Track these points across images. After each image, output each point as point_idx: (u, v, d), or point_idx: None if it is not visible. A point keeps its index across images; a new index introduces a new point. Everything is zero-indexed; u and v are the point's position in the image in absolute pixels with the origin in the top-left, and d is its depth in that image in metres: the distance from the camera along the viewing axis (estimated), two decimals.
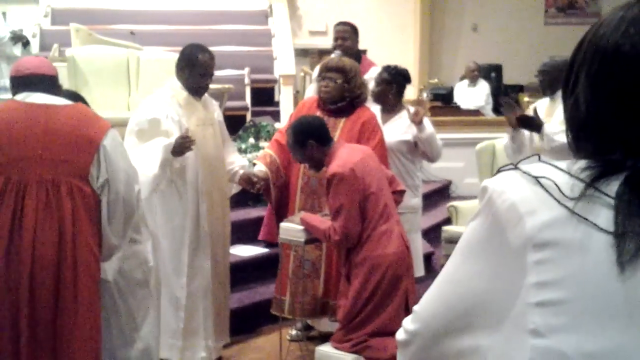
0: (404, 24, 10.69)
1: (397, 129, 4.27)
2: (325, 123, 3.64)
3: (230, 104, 6.77)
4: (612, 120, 0.88)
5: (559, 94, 4.46)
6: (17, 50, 6.86)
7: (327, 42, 5.36)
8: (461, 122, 8.08)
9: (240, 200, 5.16)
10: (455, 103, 8.79)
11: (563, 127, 3.73)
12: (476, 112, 8.56)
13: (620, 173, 0.85)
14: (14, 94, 2.70)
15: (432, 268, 5.65)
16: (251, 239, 5.07)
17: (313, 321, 4.23)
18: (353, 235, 3.35)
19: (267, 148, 4.21)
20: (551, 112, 4.13)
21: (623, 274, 0.81)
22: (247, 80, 7.50)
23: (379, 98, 4.35)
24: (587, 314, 0.82)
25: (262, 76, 7.94)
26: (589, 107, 0.91)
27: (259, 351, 4.19)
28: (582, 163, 0.89)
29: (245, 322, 4.41)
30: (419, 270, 4.34)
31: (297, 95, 7.89)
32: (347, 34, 4.80)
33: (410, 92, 4.71)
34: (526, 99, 8.74)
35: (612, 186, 0.85)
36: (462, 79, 9.33)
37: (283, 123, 6.20)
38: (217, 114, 3.98)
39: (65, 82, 5.40)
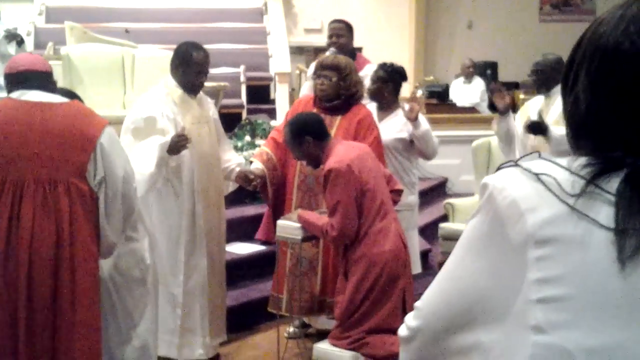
0: (400, 21, 10.69)
1: (393, 127, 4.28)
2: (322, 119, 3.64)
3: (226, 101, 6.77)
4: (612, 118, 0.88)
5: (553, 91, 4.52)
6: (12, 49, 6.84)
7: (322, 39, 5.36)
8: (457, 120, 8.09)
9: (236, 198, 5.16)
10: (451, 100, 8.80)
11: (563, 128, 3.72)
12: (472, 110, 8.58)
13: (620, 170, 0.86)
14: (9, 92, 2.69)
15: (428, 265, 5.66)
16: (248, 237, 5.07)
17: (310, 319, 4.23)
18: (350, 232, 3.35)
19: (264, 146, 4.21)
20: (546, 110, 4.14)
21: (624, 270, 0.81)
22: (242, 78, 7.50)
23: (375, 96, 4.35)
24: (588, 310, 0.82)
25: (257, 74, 7.93)
26: (589, 105, 0.91)
27: (257, 348, 4.20)
28: (583, 160, 0.89)
29: (243, 320, 4.41)
30: (416, 268, 4.35)
31: (293, 93, 7.89)
32: (341, 31, 4.80)
33: (406, 90, 4.72)
34: (522, 96, 8.75)
35: (613, 183, 0.85)
36: (457, 76, 9.34)
37: (279, 121, 6.20)
38: (213, 112, 3.98)
39: (60, 81, 5.38)
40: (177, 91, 3.72)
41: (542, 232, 0.86)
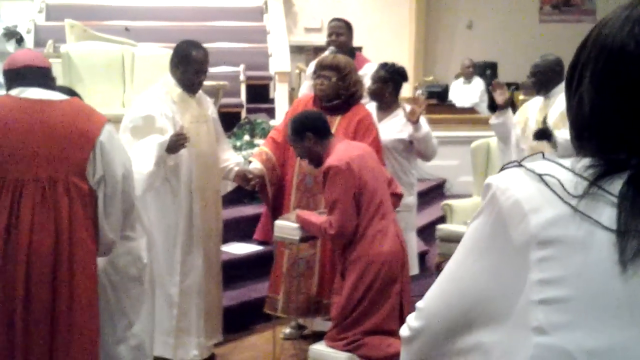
0: (399, 21, 10.69)
1: (393, 128, 4.27)
2: (325, 118, 3.64)
3: (225, 100, 6.76)
4: (617, 119, 0.88)
5: (553, 93, 4.51)
6: (11, 46, 6.85)
7: (322, 39, 5.35)
8: (456, 120, 8.09)
9: (235, 197, 5.15)
10: (450, 101, 8.80)
11: (564, 129, 3.69)
12: (471, 110, 8.58)
13: (623, 172, 0.86)
14: (8, 89, 2.67)
15: (426, 266, 5.66)
16: (246, 237, 5.06)
17: (306, 320, 4.22)
18: (348, 230, 3.34)
19: (263, 145, 4.20)
20: (545, 111, 4.13)
21: (625, 272, 0.82)
22: (242, 77, 7.50)
23: (375, 96, 4.35)
24: (590, 311, 0.83)
25: (257, 73, 7.93)
26: (594, 106, 0.91)
27: (253, 349, 4.19)
28: (586, 161, 0.89)
29: (239, 320, 4.40)
30: (414, 269, 4.34)
31: (293, 93, 7.88)
32: (341, 30, 4.79)
33: (406, 90, 4.72)
34: (521, 96, 8.75)
35: (616, 185, 0.85)
36: (457, 77, 9.34)
37: (278, 120, 6.19)
38: (212, 111, 3.97)
39: (59, 79, 5.37)
40: (176, 90, 3.72)
41: (545, 233, 0.86)
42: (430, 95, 8.64)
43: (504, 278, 0.90)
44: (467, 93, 8.91)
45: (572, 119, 0.96)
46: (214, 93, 6.06)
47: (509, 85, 9.84)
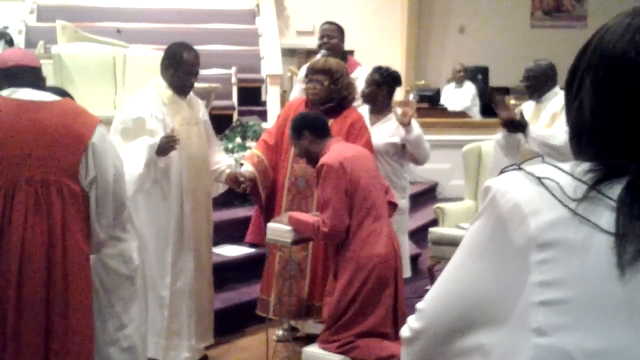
0: (391, 25, 10.72)
1: (385, 131, 4.28)
2: (325, 118, 3.67)
3: (217, 103, 6.76)
4: (616, 125, 0.89)
5: (545, 97, 4.53)
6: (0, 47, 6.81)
7: (314, 42, 5.35)
8: (448, 124, 8.10)
9: (226, 200, 5.14)
10: (442, 105, 8.82)
11: (548, 130, 3.72)
12: (463, 114, 8.60)
13: (622, 177, 0.87)
14: None
15: (418, 269, 5.67)
16: (237, 239, 5.06)
17: (298, 322, 4.22)
18: (341, 228, 3.35)
19: (255, 148, 4.20)
20: (537, 115, 4.15)
21: (623, 276, 0.83)
22: (234, 80, 7.48)
23: (369, 99, 4.35)
24: (589, 313, 0.84)
25: (249, 75, 7.92)
26: (594, 112, 0.92)
27: (245, 351, 4.18)
28: (586, 165, 0.90)
29: (231, 322, 4.39)
30: (406, 271, 4.34)
31: (284, 95, 7.88)
32: (333, 33, 4.79)
33: (398, 94, 4.73)
34: (512, 101, 8.78)
35: (615, 189, 0.86)
36: (449, 81, 9.37)
37: (270, 123, 6.19)
38: (203, 113, 3.96)
39: (51, 80, 5.35)
40: (167, 92, 3.71)
41: (544, 236, 0.87)
42: (422, 99, 8.66)
43: (504, 280, 0.91)
44: (458, 97, 8.94)
45: (572, 123, 0.97)
46: (205, 95, 6.05)
47: (499, 90, 9.92)
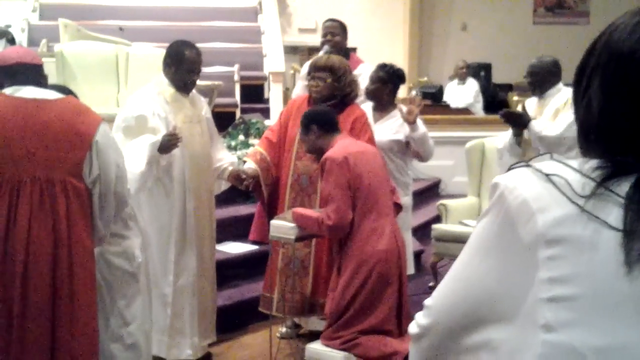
0: (394, 22, 10.70)
1: (389, 128, 4.28)
2: (333, 114, 3.69)
3: (220, 100, 6.76)
4: (625, 123, 0.90)
5: (548, 94, 4.52)
6: (1, 46, 6.81)
7: (316, 39, 5.35)
8: (450, 121, 8.11)
9: (229, 197, 5.15)
10: (445, 102, 8.82)
11: (551, 124, 3.72)
12: (465, 111, 8.60)
13: (631, 174, 0.87)
14: (0, 86, 2.66)
15: (421, 266, 5.67)
16: (240, 236, 5.06)
17: (301, 319, 4.22)
18: (345, 221, 3.35)
19: (257, 145, 4.20)
20: (540, 111, 4.15)
21: (631, 273, 0.83)
22: (236, 77, 7.48)
23: (373, 96, 4.35)
24: (596, 310, 0.84)
25: (251, 73, 7.92)
26: (602, 110, 0.92)
27: (249, 348, 4.19)
28: (594, 162, 0.90)
29: (234, 320, 4.40)
30: (409, 268, 4.33)
31: (287, 93, 7.88)
32: (336, 30, 4.79)
33: (401, 91, 4.72)
34: (515, 97, 8.78)
35: (623, 187, 0.87)
36: (451, 78, 9.36)
37: (273, 120, 6.19)
38: (205, 111, 3.96)
39: (53, 78, 5.36)
40: (169, 90, 3.71)
41: (553, 232, 0.87)
42: (425, 96, 8.66)
43: (512, 276, 0.91)
44: (461, 94, 8.93)
45: (580, 121, 0.97)
46: (208, 93, 6.05)
47: (502, 86, 9.89)
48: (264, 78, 8.03)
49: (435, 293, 1.05)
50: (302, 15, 10.43)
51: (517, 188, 0.92)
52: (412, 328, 1.08)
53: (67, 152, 2.52)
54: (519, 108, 4.13)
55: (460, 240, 4.94)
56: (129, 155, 3.34)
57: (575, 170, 0.91)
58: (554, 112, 4.03)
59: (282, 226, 3.58)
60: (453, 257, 5.01)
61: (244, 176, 3.91)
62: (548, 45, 9.39)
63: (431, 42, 11.04)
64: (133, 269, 2.91)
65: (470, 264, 0.98)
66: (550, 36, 10.60)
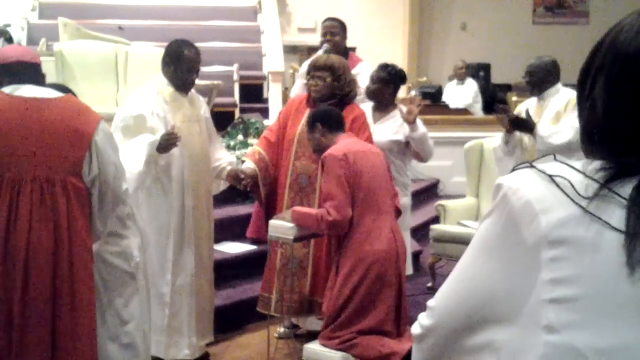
0: (393, 22, 10.70)
1: (389, 128, 4.28)
2: (339, 113, 3.70)
3: (219, 100, 6.76)
4: (629, 124, 0.89)
5: (547, 93, 4.53)
6: None
7: (316, 39, 5.35)
8: (449, 121, 8.10)
9: (228, 197, 5.14)
10: (444, 102, 8.81)
11: (555, 127, 3.72)
12: (464, 111, 8.59)
13: (634, 176, 0.87)
14: None
15: (420, 266, 5.66)
16: (239, 236, 5.06)
17: (299, 319, 4.22)
18: (345, 217, 3.35)
19: (256, 145, 4.20)
20: (539, 112, 4.14)
21: (633, 274, 0.83)
22: (235, 77, 7.48)
23: (374, 96, 4.35)
24: (599, 311, 0.84)
25: (251, 72, 7.92)
26: (607, 110, 0.92)
27: (246, 348, 4.18)
28: (597, 164, 0.91)
29: (232, 319, 4.40)
30: (408, 269, 4.34)
31: (286, 92, 7.87)
32: (335, 30, 4.78)
33: (400, 91, 4.73)
34: (514, 98, 8.78)
35: (627, 188, 0.87)
36: (450, 78, 9.35)
37: (272, 120, 6.19)
38: (204, 110, 3.96)
39: (53, 77, 5.36)
40: (168, 89, 3.71)
41: (555, 233, 0.87)
42: (424, 96, 8.64)
43: (515, 277, 0.91)
44: (460, 94, 8.93)
45: (584, 122, 0.97)
46: (207, 92, 6.05)
47: (501, 86, 9.89)
48: (263, 78, 8.03)
49: (438, 294, 1.05)
50: (301, 14, 10.43)
51: (520, 189, 0.92)
52: (415, 329, 1.08)
53: (67, 151, 2.52)
54: (522, 114, 4.12)
55: (458, 240, 4.94)
56: (128, 155, 3.34)
57: (578, 172, 0.91)
58: (555, 115, 4.02)
59: (281, 226, 3.58)
60: (451, 258, 5.05)
61: (242, 176, 3.90)
62: (548, 45, 9.40)
63: (430, 42, 11.04)
64: (131, 268, 2.91)
65: (473, 265, 0.98)
66: (550, 36, 10.60)
